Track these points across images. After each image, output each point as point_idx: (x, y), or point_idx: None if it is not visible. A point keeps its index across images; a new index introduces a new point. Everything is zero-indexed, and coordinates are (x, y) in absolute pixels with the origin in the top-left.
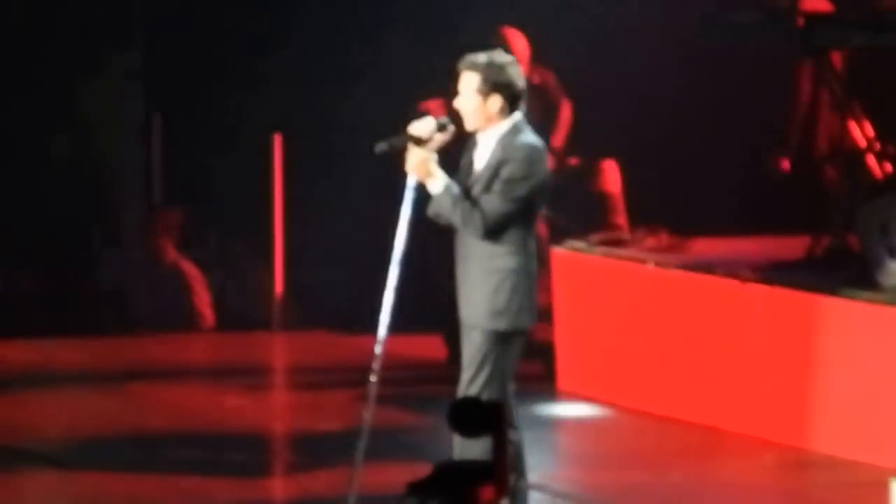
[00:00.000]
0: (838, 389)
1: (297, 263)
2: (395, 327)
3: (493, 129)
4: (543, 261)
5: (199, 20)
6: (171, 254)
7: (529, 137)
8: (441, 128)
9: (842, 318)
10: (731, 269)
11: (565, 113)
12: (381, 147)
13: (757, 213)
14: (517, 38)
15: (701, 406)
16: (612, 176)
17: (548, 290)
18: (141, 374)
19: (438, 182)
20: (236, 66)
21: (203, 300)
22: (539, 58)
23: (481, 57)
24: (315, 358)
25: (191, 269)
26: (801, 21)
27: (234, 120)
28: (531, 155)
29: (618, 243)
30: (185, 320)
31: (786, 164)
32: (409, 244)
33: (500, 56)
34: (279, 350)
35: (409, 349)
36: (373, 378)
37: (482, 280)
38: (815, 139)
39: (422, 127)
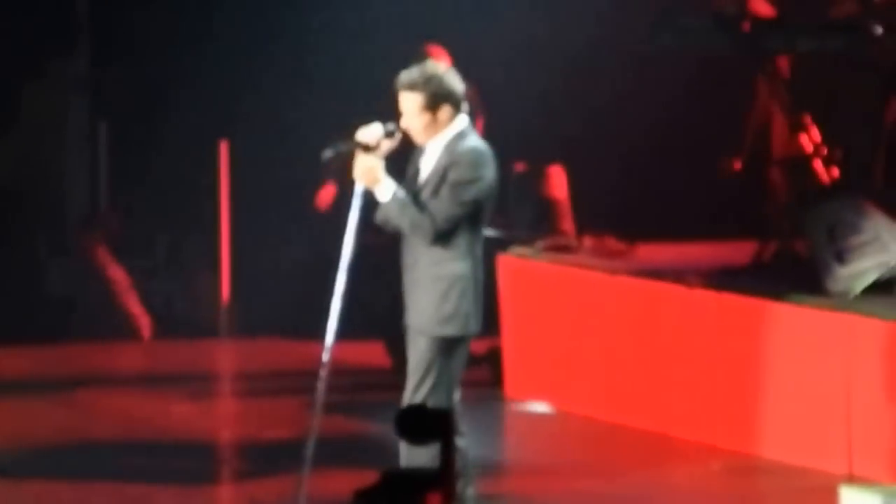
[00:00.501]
0: (786, 395)
1: (244, 270)
2: (342, 334)
3: (439, 136)
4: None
5: (145, 27)
6: (102, 260)
7: (475, 141)
8: (389, 134)
9: (789, 323)
10: (678, 274)
11: (478, 127)
12: (328, 154)
13: (704, 219)
14: (440, 56)
15: (649, 412)
16: (558, 181)
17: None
18: (87, 382)
19: (386, 188)
20: (182, 73)
21: (134, 308)
22: (483, 65)
23: (417, 74)
24: (262, 365)
25: (117, 276)
26: (747, 26)
27: (179, 127)
28: (477, 158)
29: (565, 249)
30: (125, 328)
31: (737, 165)
32: (356, 251)
33: (434, 67)
34: (226, 357)
35: (356, 356)
36: (320, 385)
37: (430, 286)
38: (770, 143)
39: (369, 133)
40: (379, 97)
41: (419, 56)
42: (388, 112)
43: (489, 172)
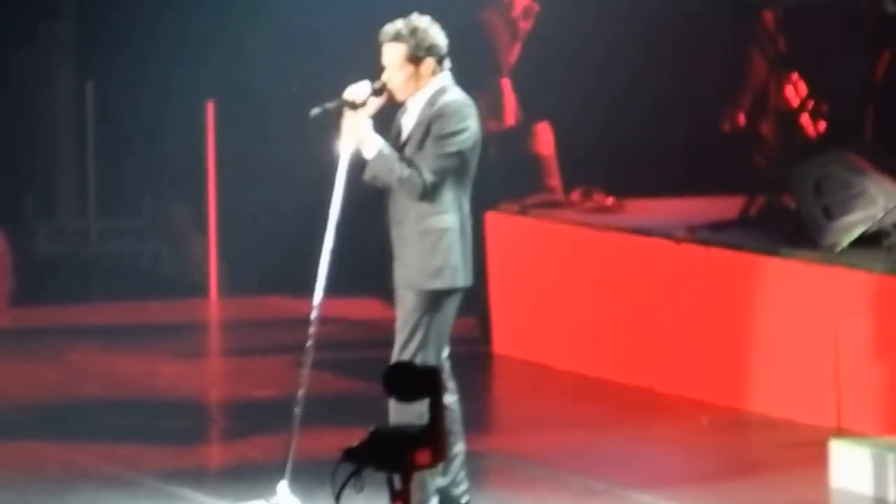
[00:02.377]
0: (774, 349)
1: (232, 229)
2: (331, 291)
3: (422, 91)
4: None
5: None
6: None
7: (457, 94)
8: (376, 92)
9: (777, 277)
10: (666, 230)
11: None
12: (315, 112)
13: (692, 174)
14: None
15: (637, 367)
16: (545, 138)
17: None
18: (75, 342)
19: (373, 146)
20: (169, 33)
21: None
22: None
23: (402, 26)
24: (250, 323)
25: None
26: None
27: (166, 87)
28: (460, 110)
29: (552, 205)
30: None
31: (741, 119)
32: (345, 208)
33: (418, 20)
34: (214, 316)
35: (345, 312)
36: (309, 343)
37: (417, 241)
38: (767, 98)
39: (356, 91)
40: (367, 54)
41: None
42: (375, 69)
43: (473, 123)
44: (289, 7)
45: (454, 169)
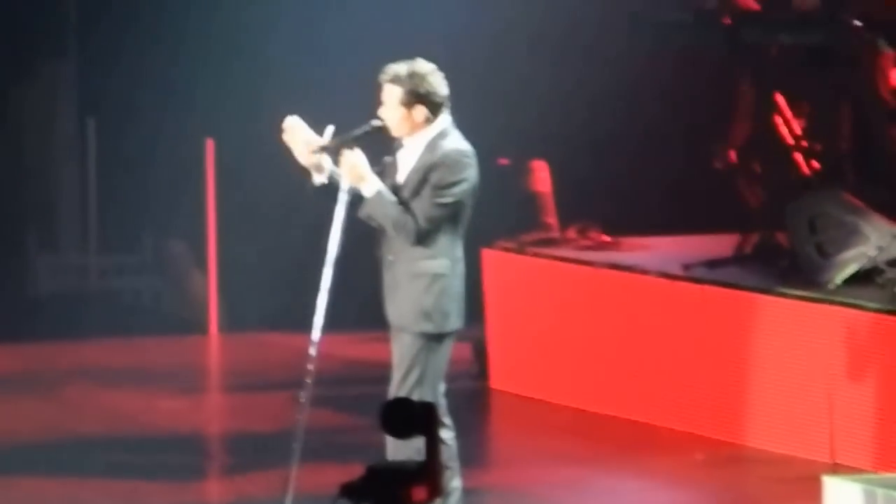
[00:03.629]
0: (770, 385)
1: (232, 266)
2: (330, 327)
3: (419, 134)
4: None
5: (133, 27)
6: None
7: (457, 142)
8: (374, 130)
9: (772, 314)
10: (661, 267)
11: None
12: (313, 150)
13: (687, 212)
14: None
15: (634, 403)
16: (541, 175)
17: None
18: (75, 379)
19: (371, 185)
20: (170, 72)
21: None
22: (466, 59)
23: (402, 68)
24: (249, 360)
25: None
26: (728, 20)
27: (167, 125)
28: (460, 161)
29: (548, 243)
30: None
31: (732, 156)
32: (344, 243)
33: (420, 66)
34: (214, 353)
35: (344, 349)
36: (307, 379)
37: (409, 284)
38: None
39: (354, 131)
40: (366, 93)
41: None
42: (373, 107)
43: (471, 173)
44: (290, 45)
45: (449, 217)
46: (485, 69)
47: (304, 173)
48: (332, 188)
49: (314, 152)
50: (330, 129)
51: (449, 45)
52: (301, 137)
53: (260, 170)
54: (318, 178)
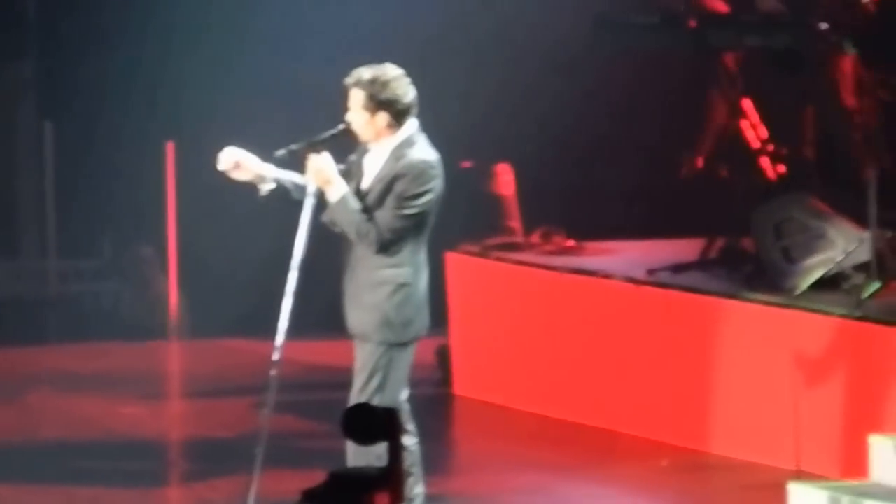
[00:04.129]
0: (734, 391)
1: (194, 270)
2: (293, 332)
3: (385, 140)
4: None
5: (92, 29)
6: None
7: (423, 151)
8: (340, 132)
9: (737, 320)
10: (625, 272)
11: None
12: (280, 153)
13: (651, 217)
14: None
15: (598, 409)
16: (505, 179)
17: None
18: (36, 384)
19: (337, 190)
20: (129, 74)
21: None
22: (430, 61)
23: (366, 73)
24: (212, 366)
25: None
26: (693, 22)
27: (126, 128)
28: (425, 171)
29: (512, 247)
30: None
31: (700, 163)
32: (309, 248)
33: (385, 71)
34: (176, 358)
35: (307, 355)
36: (270, 385)
37: (370, 291)
38: (727, 140)
39: (322, 134)
40: (331, 96)
41: None
42: (340, 111)
43: (436, 184)
44: (253, 46)
45: (413, 227)
46: (448, 70)
47: (250, 186)
48: (280, 191)
49: (278, 156)
50: (280, 152)
51: (411, 45)
52: (242, 165)
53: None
54: (265, 187)
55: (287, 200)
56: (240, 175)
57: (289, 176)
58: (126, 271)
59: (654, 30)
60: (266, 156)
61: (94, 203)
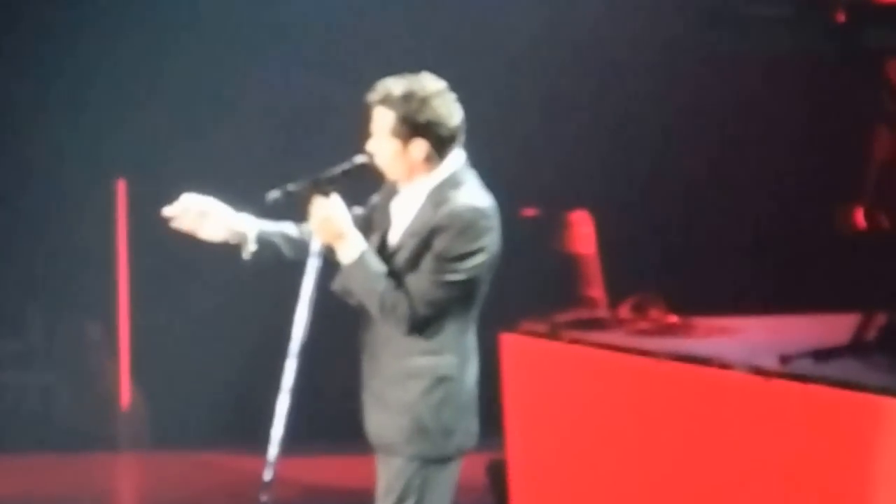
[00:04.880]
0: None
1: (152, 356)
2: (290, 443)
3: (420, 178)
4: None
5: (23, 47)
6: None
7: (472, 194)
8: (357, 168)
9: None
10: (750, 359)
11: None
12: (273, 196)
13: (786, 284)
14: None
15: None
16: (583, 232)
17: None
18: None
19: (351, 247)
20: (68, 100)
21: None
22: (478, 80)
23: (397, 86)
24: (180, 487)
25: None
26: (842, 15)
27: (66, 161)
28: (476, 223)
29: (592, 324)
30: None
31: (860, 217)
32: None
33: (423, 83)
34: (128, 477)
35: (309, 474)
36: None
37: (400, 387)
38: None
39: (332, 170)
40: (332, 123)
41: None
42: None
43: (490, 240)
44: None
45: (459, 299)
46: (506, 89)
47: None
48: (268, 251)
49: (271, 199)
50: (274, 195)
51: (458, 59)
52: (209, 218)
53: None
54: (249, 247)
55: (280, 261)
56: (208, 232)
57: (279, 227)
58: (61, 357)
59: (788, 25)
60: (248, 202)
61: (17, 266)
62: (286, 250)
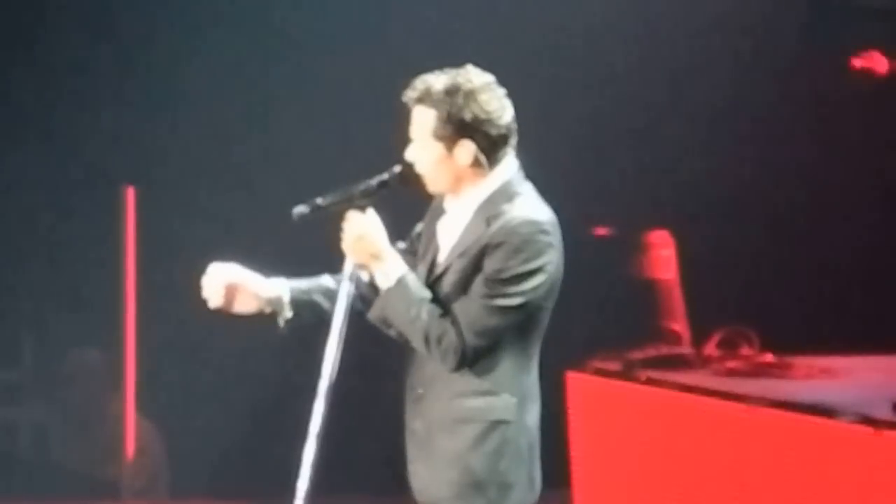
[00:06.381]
0: None
1: (162, 394)
2: (317, 496)
3: (468, 189)
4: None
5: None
6: None
7: (529, 206)
8: (393, 179)
9: None
10: (858, 407)
11: None
12: (300, 211)
13: None
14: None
15: None
16: (663, 255)
17: None
18: None
19: (390, 269)
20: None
21: None
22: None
23: (438, 81)
24: None
25: None
26: None
27: (68, 167)
28: (533, 239)
29: (674, 363)
30: None
31: None
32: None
33: (469, 76)
34: None
35: None
36: None
37: (447, 433)
38: None
39: (367, 181)
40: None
41: None
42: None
43: (551, 258)
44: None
45: (516, 328)
46: (572, 88)
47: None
48: (308, 311)
49: (298, 214)
50: (300, 209)
51: (512, 50)
52: (241, 291)
53: (209, 236)
54: (285, 314)
55: (322, 320)
56: (241, 306)
57: (315, 283)
58: (57, 390)
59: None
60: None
61: (8, 290)
62: (328, 307)
